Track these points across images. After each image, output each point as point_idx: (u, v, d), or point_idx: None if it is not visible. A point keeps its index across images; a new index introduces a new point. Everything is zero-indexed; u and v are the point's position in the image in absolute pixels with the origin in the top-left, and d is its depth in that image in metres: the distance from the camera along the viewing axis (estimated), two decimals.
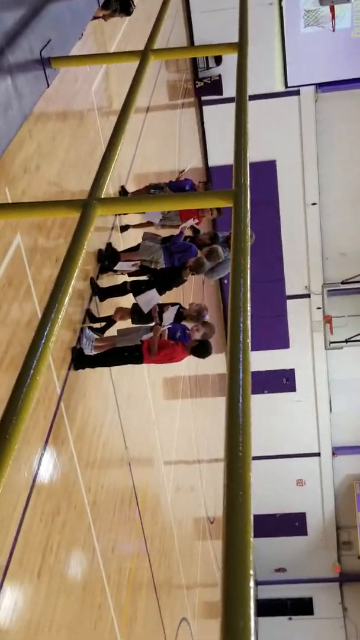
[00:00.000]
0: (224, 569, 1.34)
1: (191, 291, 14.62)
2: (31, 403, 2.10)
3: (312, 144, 19.43)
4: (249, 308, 2.20)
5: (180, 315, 7.64)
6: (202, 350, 7.21)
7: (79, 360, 6.82)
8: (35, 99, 3.72)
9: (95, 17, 7.49)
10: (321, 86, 18.92)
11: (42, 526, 5.50)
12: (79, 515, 6.41)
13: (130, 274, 8.53)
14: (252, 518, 1.45)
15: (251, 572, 1.32)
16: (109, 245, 8.63)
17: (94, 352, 7.22)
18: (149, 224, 9.63)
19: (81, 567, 6.47)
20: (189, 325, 7.50)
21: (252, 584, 1.30)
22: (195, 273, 8.32)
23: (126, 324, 7.97)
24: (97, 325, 7.75)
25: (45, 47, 3.79)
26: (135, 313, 7.63)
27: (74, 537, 6.26)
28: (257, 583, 24.80)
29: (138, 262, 8.34)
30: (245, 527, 1.43)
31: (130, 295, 8.05)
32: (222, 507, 1.50)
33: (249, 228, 2.66)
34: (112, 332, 7.86)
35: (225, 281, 17.07)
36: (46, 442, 5.83)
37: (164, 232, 9.43)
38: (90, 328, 7.56)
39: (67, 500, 6.15)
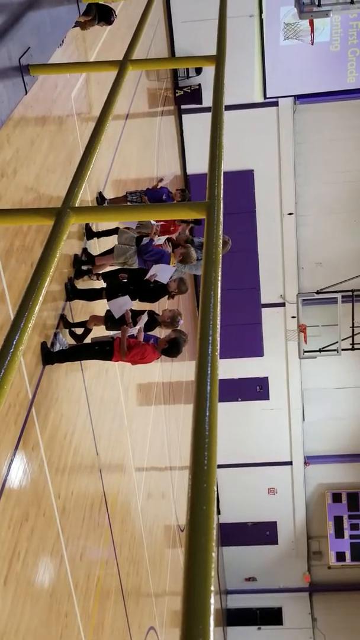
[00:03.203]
0: (185, 583, 1.35)
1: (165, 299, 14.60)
2: None
3: (290, 154, 19.59)
4: (218, 320, 2.21)
5: (154, 321, 7.66)
6: (172, 350, 7.20)
7: (48, 355, 6.79)
8: (13, 105, 3.72)
9: (76, 24, 7.48)
10: (299, 98, 19.12)
11: (10, 533, 5.47)
12: (47, 522, 6.38)
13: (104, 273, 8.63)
14: (214, 533, 1.46)
15: (212, 587, 1.33)
16: (84, 250, 8.63)
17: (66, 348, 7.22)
18: (127, 229, 9.66)
19: (48, 574, 6.43)
20: (162, 333, 7.53)
21: (212, 600, 1.31)
22: (180, 294, 8.38)
23: (101, 330, 7.96)
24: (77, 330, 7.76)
25: (25, 55, 3.79)
26: (109, 320, 7.64)
27: (42, 544, 6.22)
28: (227, 592, 24.80)
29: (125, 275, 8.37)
30: (208, 541, 1.43)
31: (104, 302, 8.06)
32: (185, 521, 1.51)
33: (220, 240, 2.68)
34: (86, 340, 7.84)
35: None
36: (16, 447, 5.80)
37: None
38: (71, 332, 7.55)
39: (36, 507, 6.12)
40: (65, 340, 7.33)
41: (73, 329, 7.70)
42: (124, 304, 7.40)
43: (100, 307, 8.39)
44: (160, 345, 7.19)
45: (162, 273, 7.82)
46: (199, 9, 17.10)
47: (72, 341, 7.61)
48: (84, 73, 8.90)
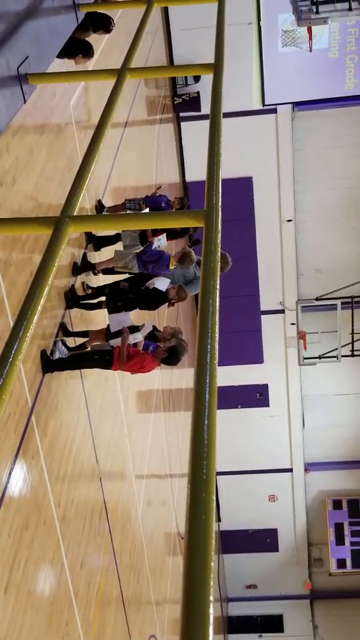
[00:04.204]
0: (184, 593, 1.35)
1: (166, 307, 14.60)
2: None
3: (289, 161, 19.62)
4: (217, 328, 2.21)
5: (153, 338, 7.67)
6: (172, 359, 7.19)
7: (48, 363, 6.79)
8: (11, 114, 3.73)
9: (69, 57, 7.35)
10: (298, 105, 19.16)
11: (10, 541, 5.46)
12: (48, 530, 6.36)
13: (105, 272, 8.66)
14: (213, 542, 1.46)
15: (211, 597, 1.33)
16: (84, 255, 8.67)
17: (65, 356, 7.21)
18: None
19: (49, 582, 6.41)
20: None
21: (211, 609, 1.30)
22: (180, 301, 8.39)
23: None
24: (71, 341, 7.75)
25: (23, 64, 3.80)
26: (110, 335, 7.66)
27: (43, 553, 6.21)
28: (228, 600, 24.72)
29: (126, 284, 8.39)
30: (207, 550, 1.43)
31: (104, 311, 8.07)
32: (184, 530, 1.51)
33: (219, 248, 2.68)
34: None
35: None
36: (16, 455, 5.79)
37: None
38: (64, 344, 7.54)
39: (36, 515, 6.11)
40: (65, 348, 7.34)
41: (67, 339, 7.69)
42: (124, 321, 7.40)
43: (99, 316, 8.40)
44: (160, 354, 7.19)
45: (159, 283, 7.88)
46: (198, 17, 17.13)
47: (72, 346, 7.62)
48: (82, 82, 8.92)
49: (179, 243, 12.10)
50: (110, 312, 7.77)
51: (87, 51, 7.25)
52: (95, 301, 8.30)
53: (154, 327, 7.76)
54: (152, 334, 7.58)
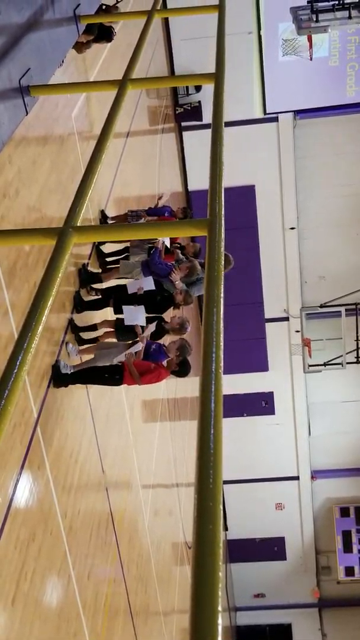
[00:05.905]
0: (192, 604, 1.34)
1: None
2: (2, 432, 2.10)
3: (291, 169, 19.66)
4: (221, 338, 2.21)
5: (162, 329, 7.73)
6: (182, 371, 7.45)
7: (58, 377, 6.83)
8: (14, 127, 3.74)
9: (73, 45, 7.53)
10: (299, 113, 19.22)
11: (17, 553, 5.44)
12: (54, 541, 6.35)
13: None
14: (221, 552, 1.45)
15: (219, 608, 1.32)
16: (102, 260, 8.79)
17: (70, 372, 7.23)
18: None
19: (56, 594, 6.39)
20: (169, 341, 7.63)
21: (220, 620, 1.30)
22: (185, 305, 8.45)
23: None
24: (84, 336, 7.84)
25: (25, 76, 3.82)
26: (119, 329, 7.76)
27: (50, 564, 6.19)
28: (236, 609, 24.60)
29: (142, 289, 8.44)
30: (215, 561, 1.42)
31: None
32: (192, 540, 1.50)
33: (223, 256, 2.68)
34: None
35: None
36: (22, 467, 5.79)
37: None
38: (78, 338, 7.64)
39: (42, 526, 6.09)
40: (73, 346, 7.44)
41: (81, 333, 7.79)
42: (136, 318, 7.51)
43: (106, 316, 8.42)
44: (171, 365, 7.33)
45: (147, 284, 7.95)
46: (198, 27, 17.20)
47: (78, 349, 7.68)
48: (84, 92, 8.95)
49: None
50: (116, 312, 7.90)
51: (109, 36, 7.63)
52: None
53: (161, 319, 7.83)
54: (160, 325, 7.67)
